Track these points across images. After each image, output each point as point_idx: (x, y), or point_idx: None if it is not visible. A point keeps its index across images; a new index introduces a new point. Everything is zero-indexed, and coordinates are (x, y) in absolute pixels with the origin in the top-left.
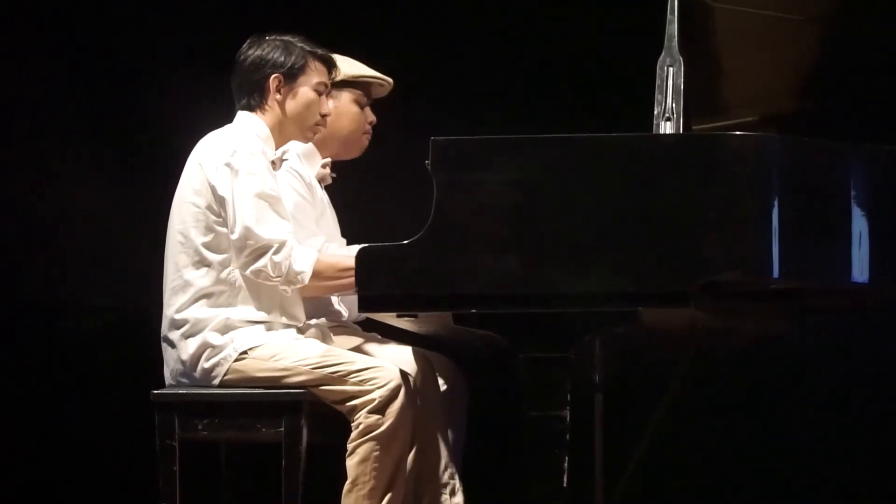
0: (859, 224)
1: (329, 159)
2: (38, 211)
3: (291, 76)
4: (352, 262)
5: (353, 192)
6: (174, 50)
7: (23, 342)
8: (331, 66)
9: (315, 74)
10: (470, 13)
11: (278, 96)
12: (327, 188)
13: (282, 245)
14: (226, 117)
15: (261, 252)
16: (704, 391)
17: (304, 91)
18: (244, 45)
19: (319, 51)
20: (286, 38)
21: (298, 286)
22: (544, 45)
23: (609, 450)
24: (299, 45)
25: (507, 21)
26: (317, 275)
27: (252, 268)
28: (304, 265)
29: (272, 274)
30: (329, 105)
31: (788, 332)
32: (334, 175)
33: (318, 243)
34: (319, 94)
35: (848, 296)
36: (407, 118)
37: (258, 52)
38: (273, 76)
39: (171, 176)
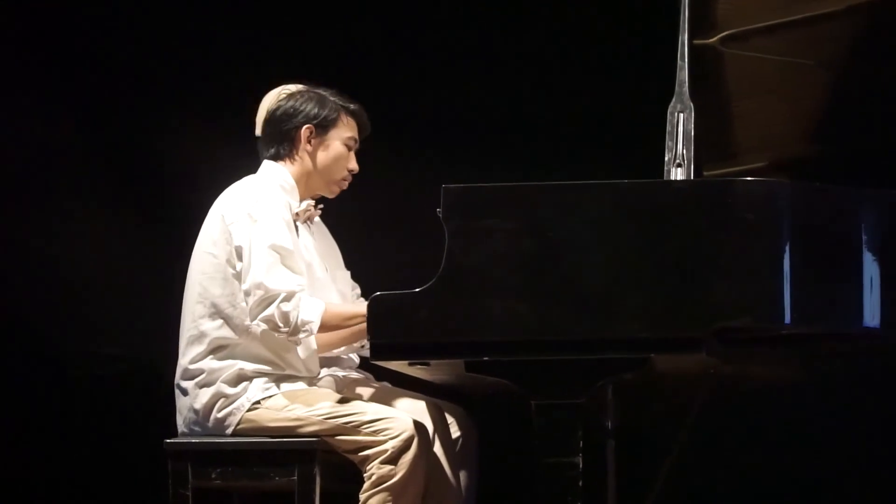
0: (870, 269)
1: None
2: (51, 259)
3: (323, 128)
4: (358, 310)
5: (365, 240)
6: (190, 99)
7: (36, 390)
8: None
9: (346, 129)
10: (480, 61)
11: (308, 147)
12: (331, 227)
13: (290, 294)
14: (244, 166)
15: (269, 301)
16: (716, 436)
17: (335, 144)
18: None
19: (352, 106)
20: (319, 91)
21: (307, 336)
22: (555, 92)
23: (622, 496)
24: (332, 98)
25: (518, 68)
26: (325, 325)
27: (261, 316)
28: (312, 315)
29: (280, 323)
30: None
31: (800, 376)
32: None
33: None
34: (349, 148)
35: (859, 341)
36: (418, 166)
37: (291, 103)
38: (305, 126)
39: (186, 225)
